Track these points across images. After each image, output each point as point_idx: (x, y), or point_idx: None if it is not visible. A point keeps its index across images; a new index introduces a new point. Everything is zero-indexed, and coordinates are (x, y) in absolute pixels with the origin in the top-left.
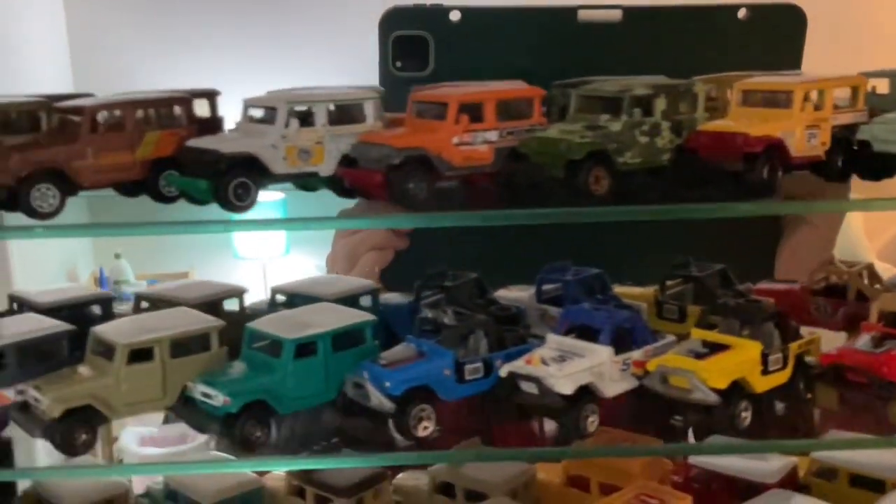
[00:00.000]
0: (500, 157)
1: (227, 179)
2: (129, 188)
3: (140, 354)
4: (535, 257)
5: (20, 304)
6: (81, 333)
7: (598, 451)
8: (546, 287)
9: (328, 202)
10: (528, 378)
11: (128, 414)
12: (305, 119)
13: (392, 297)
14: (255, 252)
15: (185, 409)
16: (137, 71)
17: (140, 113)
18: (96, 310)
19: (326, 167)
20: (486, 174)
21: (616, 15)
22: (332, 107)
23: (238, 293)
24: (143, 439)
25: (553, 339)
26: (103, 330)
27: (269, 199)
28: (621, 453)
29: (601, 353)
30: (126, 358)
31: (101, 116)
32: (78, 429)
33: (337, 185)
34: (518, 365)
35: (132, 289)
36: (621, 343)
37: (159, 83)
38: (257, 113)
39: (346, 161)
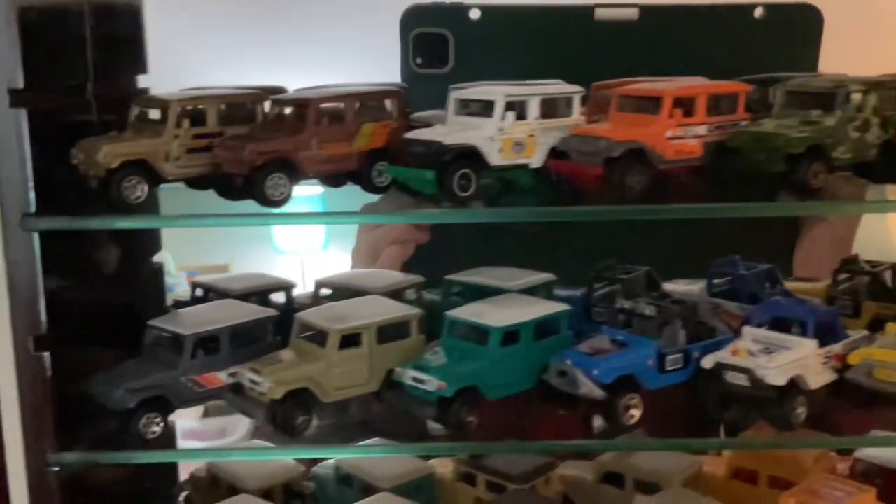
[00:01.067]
0: (708, 151)
1: (452, 170)
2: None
3: (350, 340)
4: (559, 256)
5: (206, 290)
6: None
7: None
8: (716, 281)
9: (362, 198)
10: (738, 369)
11: (337, 397)
12: (518, 113)
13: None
14: (294, 246)
15: (393, 394)
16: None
17: (357, 105)
18: (280, 296)
19: (537, 159)
20: (690, 168)
21: (633, 14)
22: (542, 100)
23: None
24: (183, 433)
25: (750, 332)
26: (310, 316)
27: (307, 194)
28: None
29: (807, 346)
30: (338, 343)
31: (324, 108)
32: (297, 411)
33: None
34: (724, 356)
35: (173, 280)
36: (821, 336)
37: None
38: (470, 106)
39: (553, 154)
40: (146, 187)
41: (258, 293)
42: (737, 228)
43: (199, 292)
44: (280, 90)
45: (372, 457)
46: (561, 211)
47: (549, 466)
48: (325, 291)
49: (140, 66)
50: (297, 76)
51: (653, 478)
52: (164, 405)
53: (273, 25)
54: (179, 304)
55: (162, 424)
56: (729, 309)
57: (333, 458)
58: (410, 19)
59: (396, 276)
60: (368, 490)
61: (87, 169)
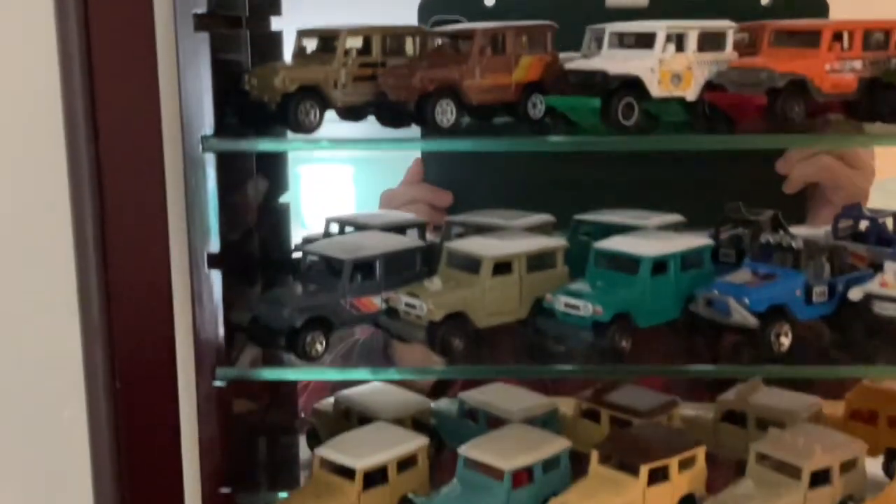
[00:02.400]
0: (862, 86)
1: (616, 99)
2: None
3: (502, 267)
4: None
5: (342, 225)
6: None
7: None
8: (841, 225)
9: (394, 172)
10: (888, 299)
11: (488, 322)
12: (677, 45)
13: None
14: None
15: (545, 320)
16: None
17: (517, 37)
18: (414, 233)
19: (692, 92)
20: (844, 103)
21: (643, 1)
22: (700, 34)
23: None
24: None
25: (892, 266)
26: (461, 245)
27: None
28: None
29: None
30: (491, 270)
31: (487, 40)
32: (454, 332)
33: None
34: (873, 287)
35: None
36: None
37: None
38: (627, 40)
39: (709, 87)
40: (318, 112)
41: (395, 228)
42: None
43: (333, 227)
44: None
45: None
46: (718, 139)
47: (672, 404)
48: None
49: (276, 7)
50: None
51: (775, 416)
52: (326, 325)
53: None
54: (308, 241)
55: (325, 343)
56: (857, 251)
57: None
58: (428, 6)
59: (527, 216)
60: (496, 423)
61: (261, 94)
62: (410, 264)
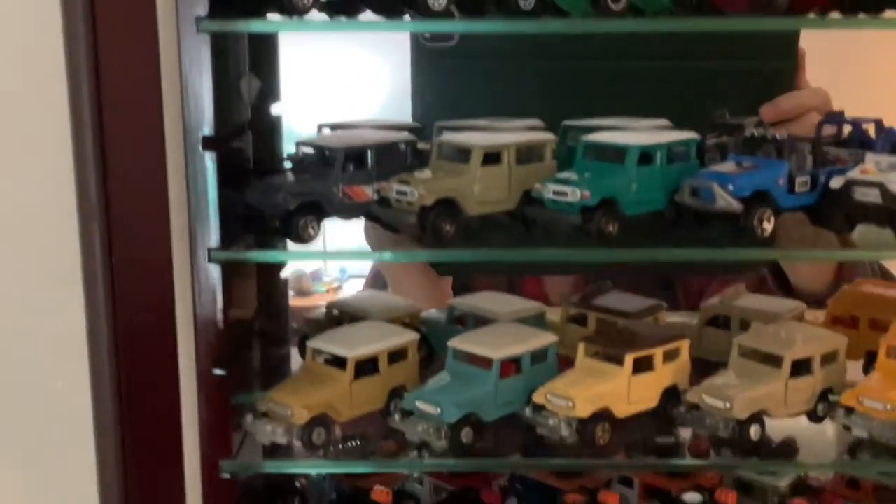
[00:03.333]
0: None
1: None
2: None
3: (492, 157)
4: None
5: (335, 129)
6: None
7: None
8: (825, 132)
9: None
10: (869, 184)
11: (479, 210)
12: None
13: None
14: None
15: (533, 208)
16: None
17: None
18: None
19: None
20: None
21: None
22: None
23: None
24: None
25: (874, 157)
26: (452, 137)
27: None
28: None
29: None
30: (481, 159)
31: None
32: (445, 218)
33: None
34: (855, 174)
35: None
36: None
37: None
38: None
39: None
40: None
41: (388, 128)
42: None
43: (325, 132)
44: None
45: None
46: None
47: (657, 307)
48: None
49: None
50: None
51: (759, 319)
52: (319, 211)
53: None
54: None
55: (317, 228)
56: (840, 155)
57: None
58: None
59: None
60: (485, 324)
61: None
62: (402, 158)
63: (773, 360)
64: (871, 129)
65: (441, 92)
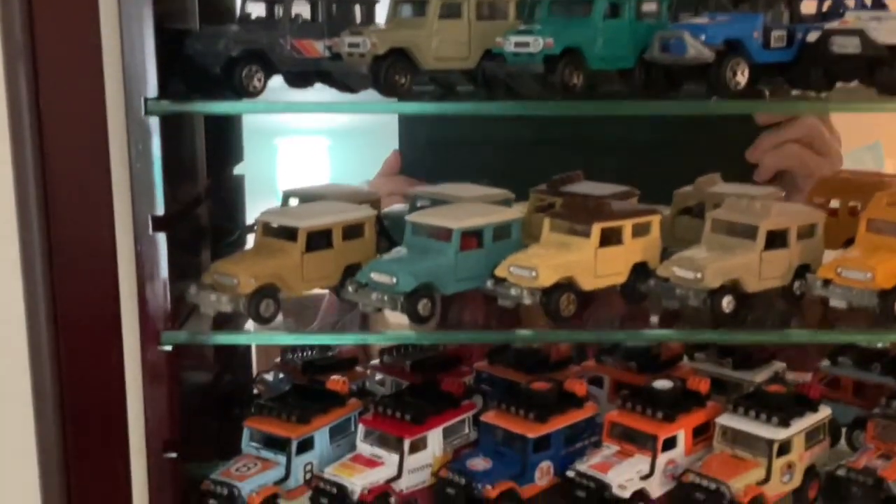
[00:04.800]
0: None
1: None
2: None
3: (451, 9)
4: None
5: None
6: None
7: None
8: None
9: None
10: (849, 33)
11: (436, 66)
12: None
13: None
14: None
15: (493, 63)
16: None
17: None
18: None
19: None
20: None
21: None
22: None
23: None
24: None
25: (853, 13)
26: None
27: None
28: None
29: None
30: (438, 10)
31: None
32: (399, 69)
33: None
34: (833, 26)
35: None
36: None
37: None
38: None
39: None
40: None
41: None
42: None
43: None
44: None
45: None
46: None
47: (629, 193)
48: None
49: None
50: None
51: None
52: (264, 63)
53: None
54: None
55: (263, 81)
56: None
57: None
58: None
59: None
60: None
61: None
62: (352, 16)
63: (748, 232)
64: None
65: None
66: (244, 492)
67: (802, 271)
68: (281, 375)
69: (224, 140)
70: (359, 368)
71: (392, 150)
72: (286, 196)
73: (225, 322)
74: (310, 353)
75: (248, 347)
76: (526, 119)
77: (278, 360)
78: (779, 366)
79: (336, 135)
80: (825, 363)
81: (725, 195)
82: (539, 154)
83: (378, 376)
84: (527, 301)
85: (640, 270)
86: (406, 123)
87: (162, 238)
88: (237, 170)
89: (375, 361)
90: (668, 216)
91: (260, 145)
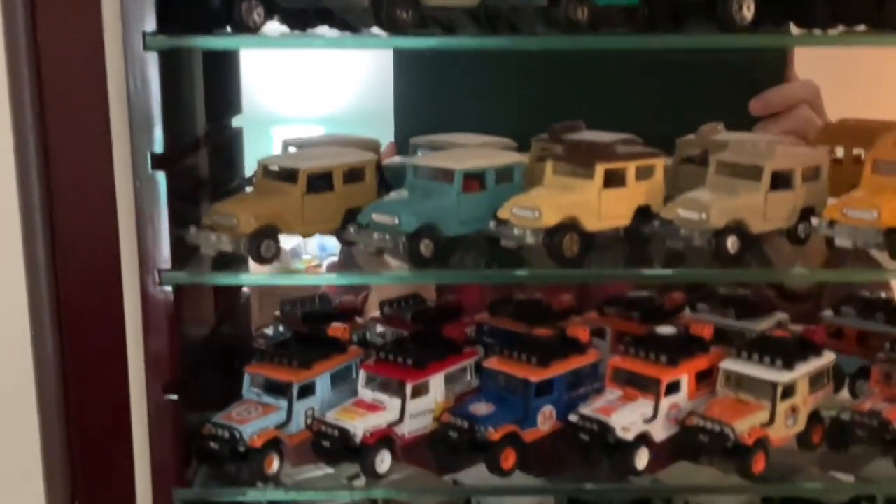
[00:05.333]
0: None
1: None
2: None
3: None
4: None
5: None
6: None
7: None
8: None
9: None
10: None
11: (438, 2)
12: None
13: None
14: None
15: None
16: None
17: None
18: None
19: None
20: None
21: None
22: None
23: None
24: None
25: None
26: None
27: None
28: None
29: None
30: None
31: None
32: (401, 3)
33: None
34: None
35: None
36: None
37: None
38: None
39: None
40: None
41: None
42: None
43: None
44: None
45: None
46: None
47: (632, 142)
48: None
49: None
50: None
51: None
52: None
53: None
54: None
55: (262, 16)
56: None
57: None
58: None
59: None
60: None
61: None
62: None
63: (753, 172)
64: None
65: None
66: (245, 434)
67: (807, 214)
68: (281, 328)
69: (222, 87)
70: (359, 320)
71: (388, 143)
72: (285, 145)
73: (226, 266)
74: (309, 305)
75: (248, 301)
76: (527, 95)
77: (278, 313)
78: (782, 316)
79: (332, 123)
80: (828, 313)
81: (730, 142)
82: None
83: (379, 328)
84: (530, 240)
85: (644, 214)
86: (401, 111)
87: (161, 177)
88: (236, 121)
89: (376, 314)
90: (671, 165)
91: (256, 135)
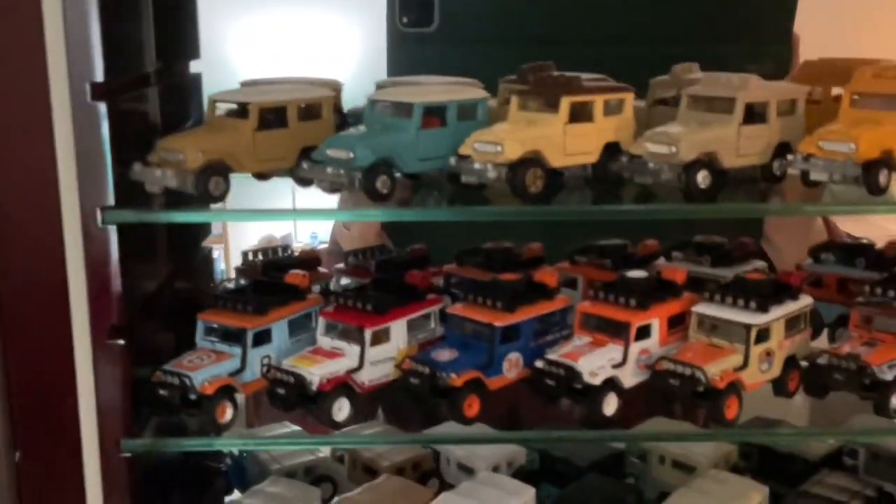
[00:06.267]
0: None
1: None
2: None
3: None
4: None
5: None
6: None
7: None
8: None
9: None
10: None
11: None
12: None
13: None
14: None
15: None
16: None
17: None
18: None
19: None
20: None
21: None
22: None
23: None
24: None
25: None
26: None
27: None
28: None
29: None
30: None
31: None
32: None
33: None
34: None
35: None
36: None
37: None
38: None
39: None
40: None
41: None
42: None
43: None
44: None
45: None
46: None
47: (602, 79)
48: None
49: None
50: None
51: None
52: None
53: None
54: None
55: None
56: None
57: None
58: None
59: None
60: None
61: None
62: None
63: (725, 105)
64: None
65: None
66: (196, 381)
67: (783, 150)
68: (242, 282)
69: (175, 28)
70: (322, 269)
71: None
72: (243, 86)
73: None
74: (271, 254)
75: (210, 254)
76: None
77: (239, 264)
78: (759, 263)
79: None
80: (808, 261)
81: (702, 78)
82: None
83: (344, 280)
84: (491, 175)
85: (613, 150)
86: None
87: (102, 108)
88: (194, 67)
89: (341, 265)
90: (644, 107)
91: None
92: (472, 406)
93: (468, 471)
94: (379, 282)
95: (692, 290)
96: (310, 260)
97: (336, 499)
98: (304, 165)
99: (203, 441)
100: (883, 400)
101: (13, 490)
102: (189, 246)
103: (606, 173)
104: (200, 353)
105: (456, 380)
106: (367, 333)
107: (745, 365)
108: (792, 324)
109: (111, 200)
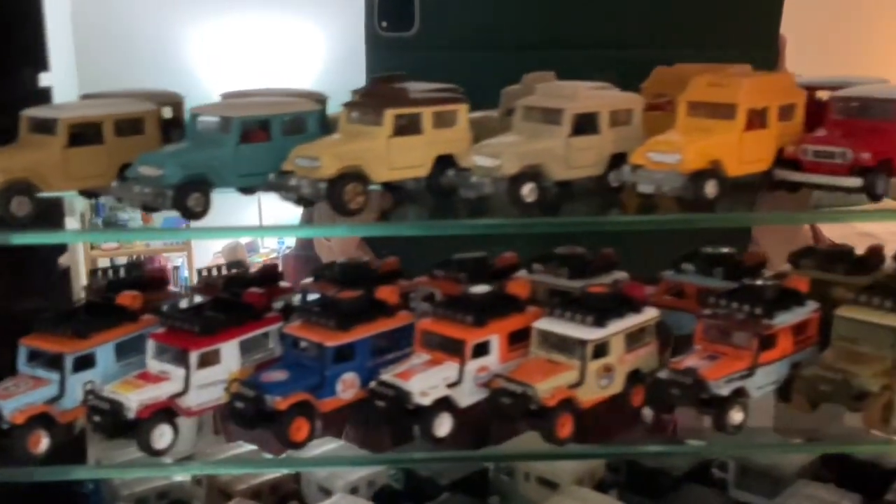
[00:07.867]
0: None
1: None
2: None
3: None
4: None
5: None
6: None
7: None
8: None
9: None
10: None
11: None
12: None
13: None
14: None
15: None
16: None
17: None
18: None
19: None
20: None
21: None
22: None
23: None
24: None
25: None
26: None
27: None
28: None
29: None
30: None
31: None
32: None
33: None
34: None
35: None
36: None
37: None
38: None
39: None
40: None
41: None
42: None
43: None
44: None
45: None
46: None
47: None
48: None
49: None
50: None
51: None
52: None
53: None
54: None
55: None
56: None
57: None
58: None
59: None
60: None
61: None
62: None
63: (553, 116)
64: None
65: None
66: (5, 410)
67: (619, 161)
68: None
69: (17, 35)
70: (284, 284)
71: None
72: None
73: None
74: (112, 274)
75: (67, 273)
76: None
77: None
78: (620, 275)
79: None
80: (669, 272)
81: (539, 87)
82: None
83: (311, 295)
84: (306, 191)
85: (446, 163)
86: None
87: None
88: (44, 80)
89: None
90: (497, 116)
91: None
92: (301, 429)
93: (327, 493)
94: (217, 301)
95: (553, 302)
96: (270, 275)
97: None
98: (114, 184)
99: (19, 472)
100: (719, 415)
101: None
102: (34, 266)
103: (438, 187)
104: (18, 380)
105: (281, 403)
106: (193, 356)
107: (581, 381)
108: (635, 338)
109: None
